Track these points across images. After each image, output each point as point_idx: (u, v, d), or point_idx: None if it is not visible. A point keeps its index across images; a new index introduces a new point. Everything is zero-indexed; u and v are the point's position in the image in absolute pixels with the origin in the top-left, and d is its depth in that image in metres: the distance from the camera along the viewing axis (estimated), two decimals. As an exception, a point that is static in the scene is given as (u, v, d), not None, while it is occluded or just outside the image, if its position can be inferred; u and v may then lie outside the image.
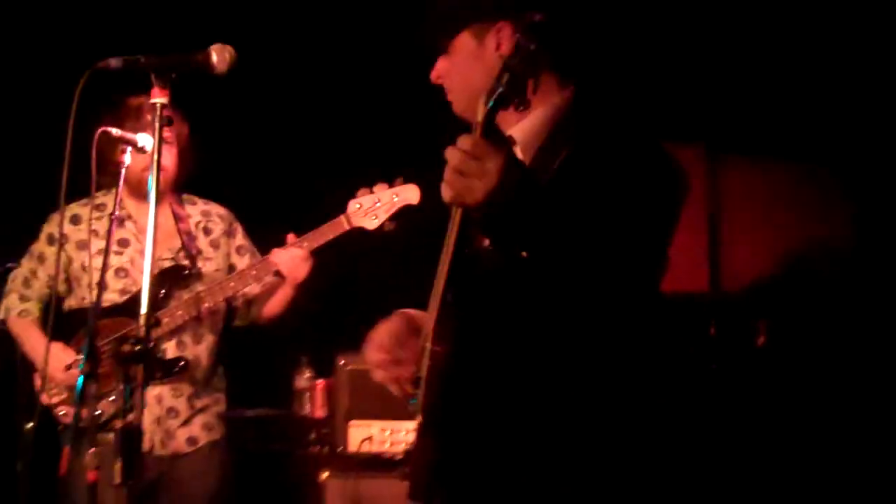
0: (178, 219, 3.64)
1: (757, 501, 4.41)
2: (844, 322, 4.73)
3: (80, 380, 3.06)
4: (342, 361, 4.08)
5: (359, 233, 3.54)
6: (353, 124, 4.92)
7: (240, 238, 3.77)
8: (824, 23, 4.67)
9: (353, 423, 4.04)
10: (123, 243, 3.56)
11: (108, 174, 3.36)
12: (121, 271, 3.54)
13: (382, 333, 2.26)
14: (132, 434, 2.12)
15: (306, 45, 4.87)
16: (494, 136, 1.89)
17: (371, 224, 3.48)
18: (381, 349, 2.24)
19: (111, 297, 3.49)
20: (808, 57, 4.75)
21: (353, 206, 3.50)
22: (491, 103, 1.86)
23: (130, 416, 2.12)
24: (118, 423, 2.11)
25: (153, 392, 3.46)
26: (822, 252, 5.05)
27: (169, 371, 3.48)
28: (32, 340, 3.54)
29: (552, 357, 2.00)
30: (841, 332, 4.71)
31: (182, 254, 3.60)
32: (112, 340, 3.38)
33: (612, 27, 4.33)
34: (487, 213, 1.83)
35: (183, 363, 3.49)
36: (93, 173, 3.04)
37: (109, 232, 3.20)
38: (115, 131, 3.21)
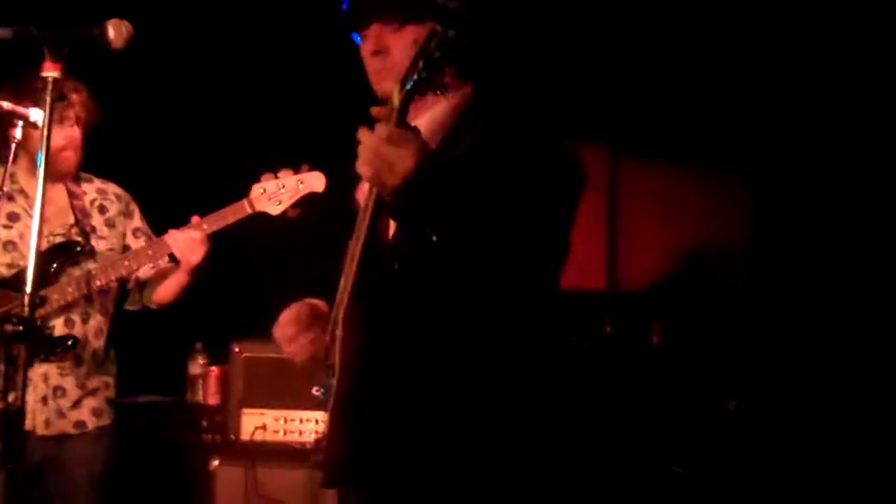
0: (72, 195, 3.56)
1: (646, 496, 4.49)
2: (738, 323, 4.84)
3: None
4: (237, 349, 4.05)
5: (259, 218, 3.50)
6: (261, 109, 4.88)
7: (137, 220, 3.70)
8: (723, 25, 4.76)
9: (246, 410, 4.01)
10: (13, 217, 3.48)
11: (6, 147, 3.28)
12: (9, 245, 3.46)
13: (290, 315, 2.29)
14: (13, 416, 2.07)
15: (214, 27, 4.82)
16: (406, 123, 1.91)
17: (274, 209, 3.40)
18: (289, 326, 2.27)
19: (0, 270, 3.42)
20: (708, 59, 4.84)
21: (256, 190, 3.43)
22: (408, 88, 1.87)
23: (11, 398, 2.07)
24: (-2, 405, 2.07)
25: (39, 370, 3.39)
26: (719, 253, 5.15)
27: (53, 349, 3.41)
28: None
29: (455, 344, 2.05)
30: (735, 333, 4.81)
31: (75, 230, 3.52)
32: None
33: (521, 23, 4.36)
34: (401, 196, 1.86)
35: (70, 341, 3.42)
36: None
37: None
38: (5, 105, 3.12)
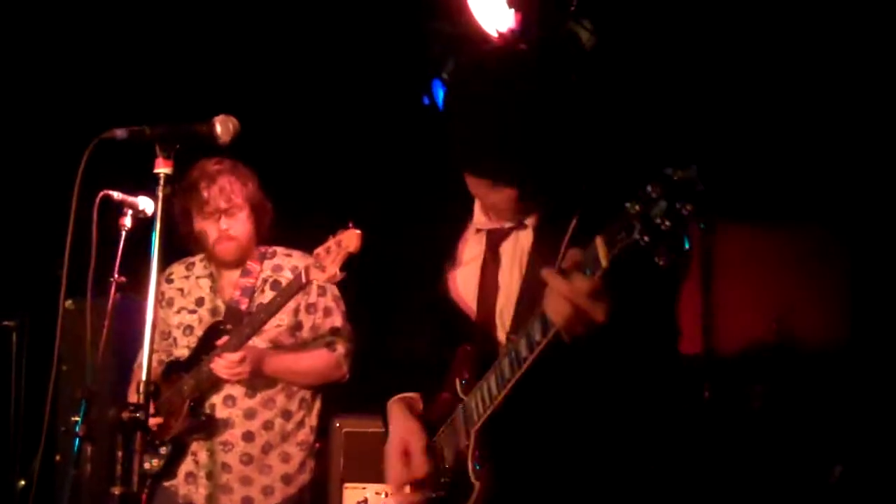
0: (245, 274, 3.57)
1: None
2: (841, 386, 4.74)
3: (76, 441, 3.08)
4: (337, 423, 4.08)
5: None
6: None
7: (314, 296, 3.56)
8: (817, 84, 4.73)
9: (347, 485, 4.02)
10: (200, 302, 3.60)
11: (193, 241, 3.54)
12: (187, 329, 3.56)
13: (401, 450, 2.34)
14: (126, 501, 2.12)
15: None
16: (608, 279, 1.81)
17: (320, 276, 3.16)
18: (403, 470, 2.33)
19: (181, 353, 3.55)
20: (801, 119, 4.80)
21: (310, 259, 3.23)
22: (619, 250, 1.75)
23: (127, 484, 2.12)
24: (116, 490, 2.12)
25: (204, 445, 3.45)
26: (818, 314, 5.06)
27: (199, 428, 3.44)
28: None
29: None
30: (837, 397, 4.71)
31: (243, 310, 3.53)
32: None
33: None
34: (585, 342, 1.88)
35: (204, 418, 3.44)
36: (94, 234, 3.05)
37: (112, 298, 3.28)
38: (115, 195, 3.25)
